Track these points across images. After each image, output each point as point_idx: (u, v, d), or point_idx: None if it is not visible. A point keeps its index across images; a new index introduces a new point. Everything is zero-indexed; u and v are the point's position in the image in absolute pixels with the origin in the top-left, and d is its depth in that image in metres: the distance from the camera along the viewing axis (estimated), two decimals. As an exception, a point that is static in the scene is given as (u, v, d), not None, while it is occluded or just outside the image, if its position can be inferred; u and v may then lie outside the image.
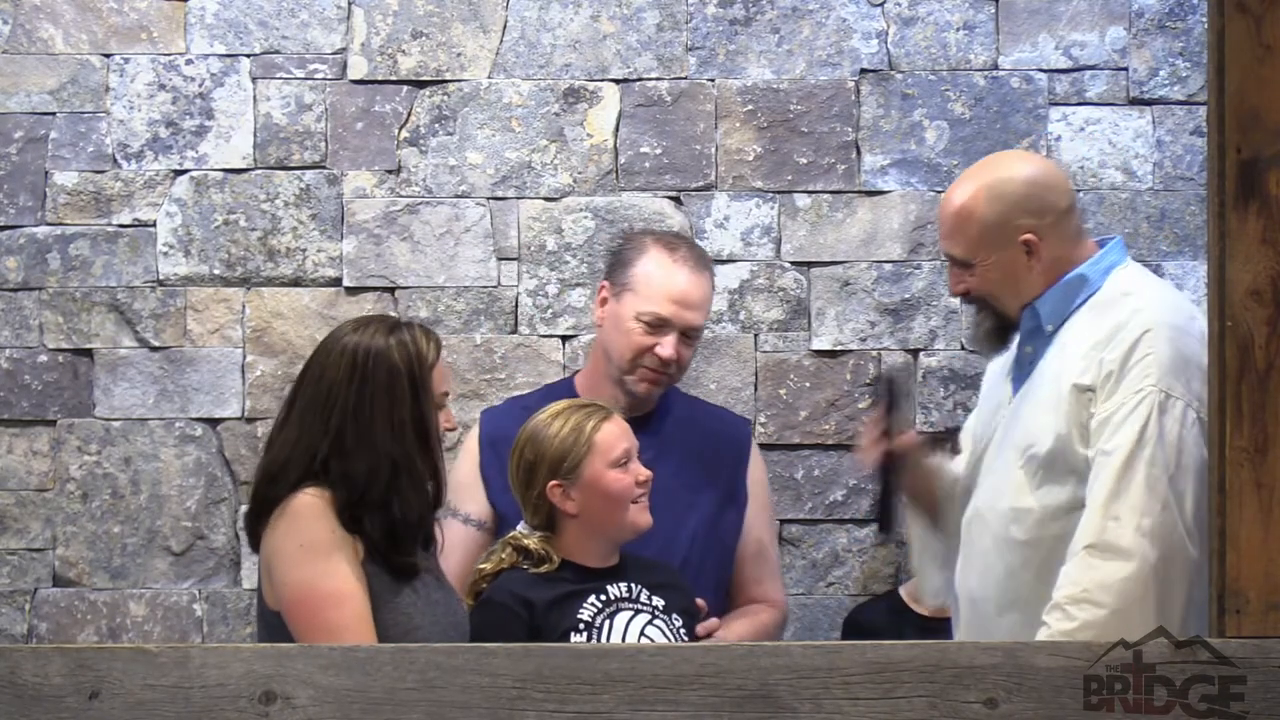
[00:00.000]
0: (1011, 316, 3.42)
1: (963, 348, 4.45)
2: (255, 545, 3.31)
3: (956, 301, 4.45)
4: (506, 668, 2.65)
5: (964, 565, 3.45)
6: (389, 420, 3.24)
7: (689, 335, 3.85)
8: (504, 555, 3.47)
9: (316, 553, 3.19)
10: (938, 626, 3.94)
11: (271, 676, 2.66)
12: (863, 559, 4.46)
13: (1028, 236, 3.36)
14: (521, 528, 3.51)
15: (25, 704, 2.66)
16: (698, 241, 4.19)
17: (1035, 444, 3.31)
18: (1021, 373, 3.45)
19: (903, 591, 4.25)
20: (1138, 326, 3.26)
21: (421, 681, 2.66)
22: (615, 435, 3.48)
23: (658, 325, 3.81)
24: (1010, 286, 3.40)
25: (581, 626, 3.39)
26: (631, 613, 3.44)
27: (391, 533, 3.23)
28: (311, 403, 3.29)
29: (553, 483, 3.44)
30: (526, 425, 3.52)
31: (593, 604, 3.42)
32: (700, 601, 3.65)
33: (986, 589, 3.38)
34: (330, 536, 3.20)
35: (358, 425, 3.24)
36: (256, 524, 3.29)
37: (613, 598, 3.44)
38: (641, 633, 3.42)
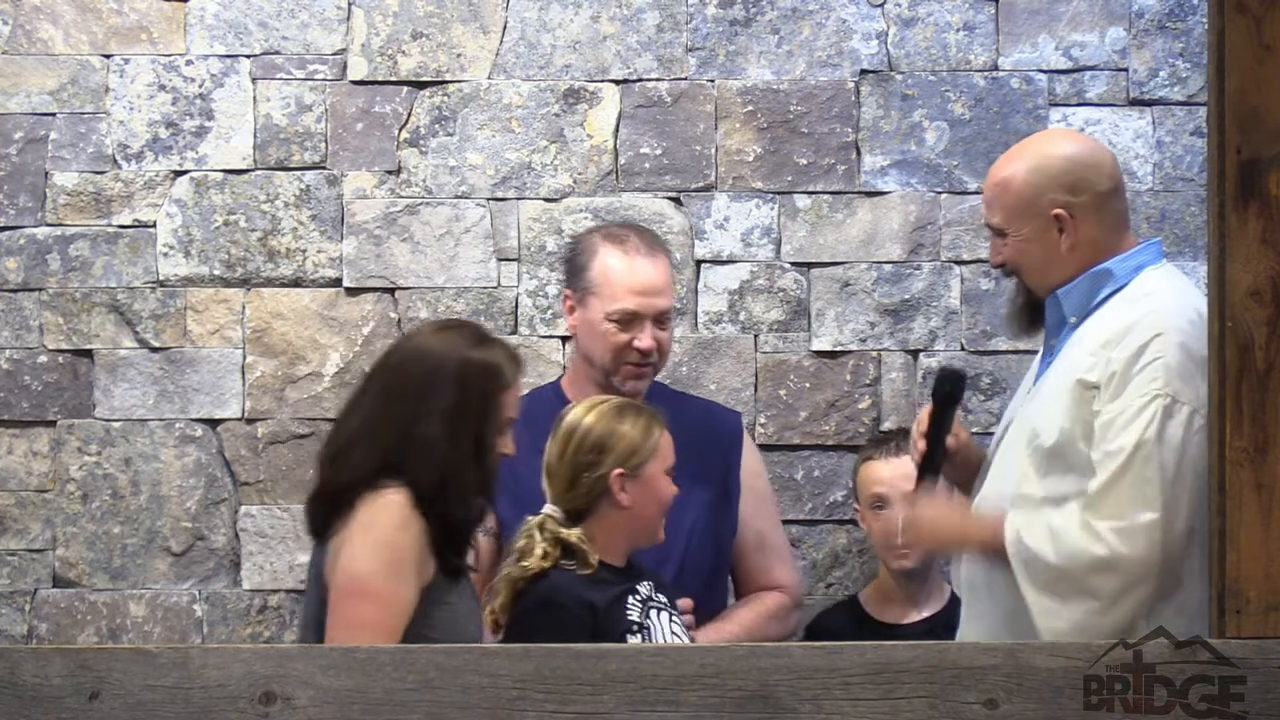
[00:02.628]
0: (1039, 295, 3.45)
1: (963, 348, 4.45)
2: (319, 529, 3.30)
3: (956, 302, 4.45)
4: (506, 668, 2.66)
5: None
6: (451, 428, 3.26)
7: (662, 320, 3.85)
8: (548, 550, 3.45)
9: (388, 555, 3.19)
10: (895, 634, 4.02)
11: (271, 677, 2.66)
12: (863, 559, 4.46)
13: (1059, 212, 3.38)
14: (550, 510, 3.49)
15: (25, 704, 2.66)
16: (648, 228, 4.14)
17: (1042, 435, 3.33)
18: (1044, 363, 3.47)
19: (862, 598, 4.25)
20: (1148, 329, 3.27)
21: (421, 682, 2.66)
22: (670, 446, 3.53)
23: (629, 320, 3.82)
24: (1039, 261, 3.42)
25: (635, 628, 3.41)
26: (657, 610, 3.46)
27: (443, 528, 3.25)
28: (383, 395, 3.30)
29: (618, 471, 3.45)
30: (587, 412, 3.51)
31: (634, 603, 3.43)
32: (685, 602, 3.66)
33: (989, 573, 3.39)
34: (411, 548, 3.21)
35: (419, 427, 3.25)
36: (326, 510, 3.27)
37: (643, 596, 3.47)
38: (672, 630, 3.44)
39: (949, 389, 3.56)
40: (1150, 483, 3.17)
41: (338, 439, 3.35)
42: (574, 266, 3.91)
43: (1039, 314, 3.48)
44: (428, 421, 3.26)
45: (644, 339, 3.81)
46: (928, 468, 3.52)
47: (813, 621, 4.29)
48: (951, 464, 3.57)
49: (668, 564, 3.71)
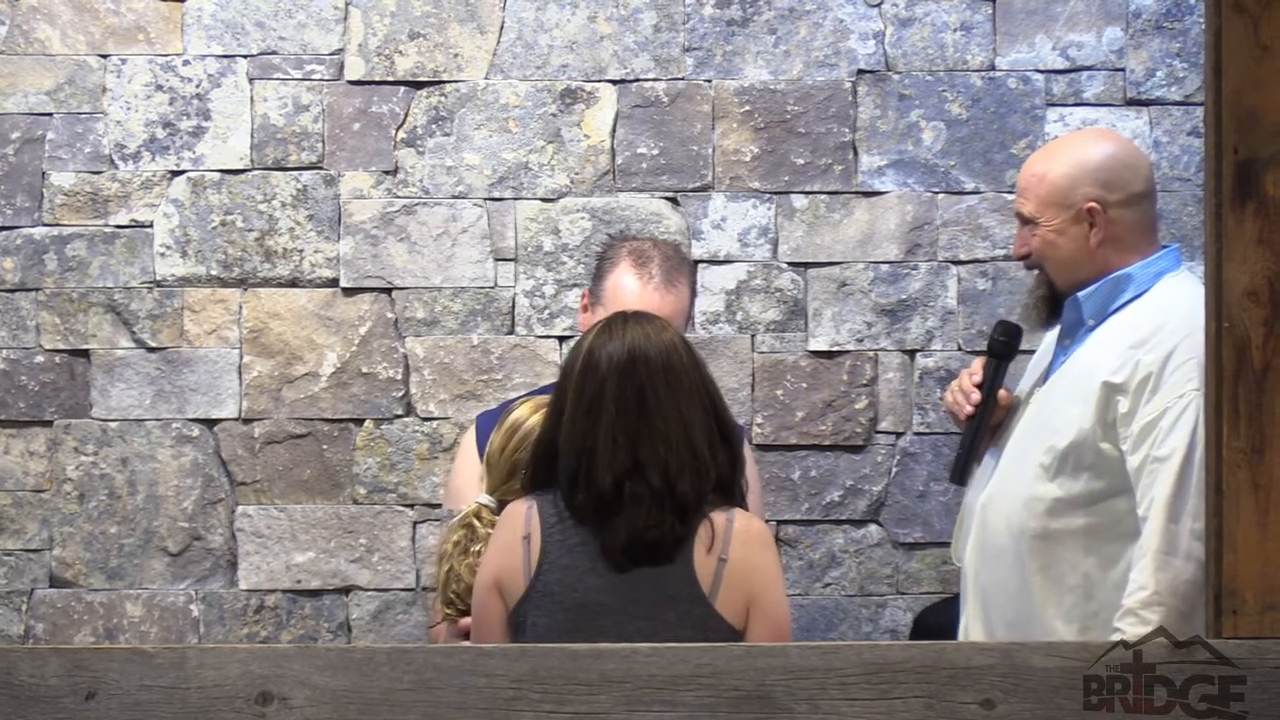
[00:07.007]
0: (1061, 289, 3.45)
1: (959, 348, 4.45)
2: (666, 549, 3.10)
3: (953, 302, 4.45)
4: (503, 668, 2.65)
5: (975, 551, 3.45)
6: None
7: None
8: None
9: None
10: None
11: (268, 677, 2.66)
12: (859, 559, 4.46)
13: (1091, 206, 3.39)
14: (485, 500, 3.49)
15: (22, 704, 2.65)
16: (679, 245, 4.08)
17: (1057, 435, 3.33)
18: (1055, 363, 3.47)
19: None
20: (1178, 331, 3.29)
21: (418, 682, 2.66)
22: None
23: None
24: (1065, 254, 3.42)
25: None
26: None
27: None
28: (685, 399, 3.16)
29: None
30: (533, 412, 3.46)
31: None
32: None
33: (995, 575, 3.39)
34: None
35: (720, 416, 3.20)
36: (680, 533, 3.10)
37: None
38: None
39: (1006, 340, 3.52)
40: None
41: (679, 455, 3.13)
42: (598, 269, 3.87)
43: (1059, 306, 3.48)
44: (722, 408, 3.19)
45: None
46: (979, 426, 3.48)
47: (918, 617, 4.29)
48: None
49: None
